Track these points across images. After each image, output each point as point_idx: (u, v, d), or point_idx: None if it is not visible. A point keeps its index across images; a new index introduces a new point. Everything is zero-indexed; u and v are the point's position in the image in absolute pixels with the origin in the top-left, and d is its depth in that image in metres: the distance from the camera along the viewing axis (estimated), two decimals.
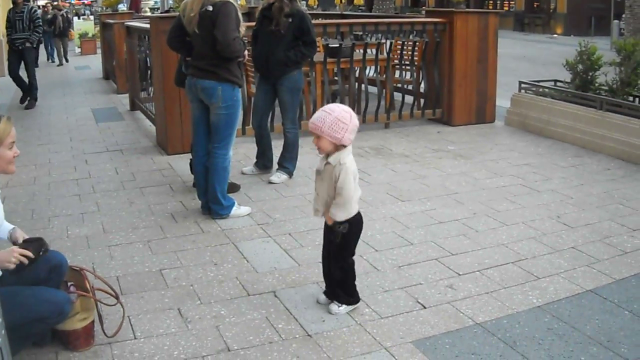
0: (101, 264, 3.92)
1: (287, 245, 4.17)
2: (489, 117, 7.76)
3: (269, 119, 5.80)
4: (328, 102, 7.02)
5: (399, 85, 8.20)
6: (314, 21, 6.53)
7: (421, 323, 3.22)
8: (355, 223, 3.26)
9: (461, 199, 5.07)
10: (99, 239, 4.28)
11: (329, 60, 7.09)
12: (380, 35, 7.34)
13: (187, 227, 4.49)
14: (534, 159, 6.22)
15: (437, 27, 7.43)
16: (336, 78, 7.47)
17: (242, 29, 4.47)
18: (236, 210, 4.65)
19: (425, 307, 3.38)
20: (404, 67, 8.45)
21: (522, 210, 4.83)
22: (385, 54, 7.86)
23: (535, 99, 7.37)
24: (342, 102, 7.12)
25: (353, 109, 6.89)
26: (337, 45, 7.07)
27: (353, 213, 3.22)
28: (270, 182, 5.45)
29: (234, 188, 5.20)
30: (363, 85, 7.44)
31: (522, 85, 7.64)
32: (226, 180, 4.59)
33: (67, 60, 18.28)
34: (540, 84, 7.60)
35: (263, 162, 5.71)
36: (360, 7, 35.52)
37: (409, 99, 7.93)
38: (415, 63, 7.68)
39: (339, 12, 15.06)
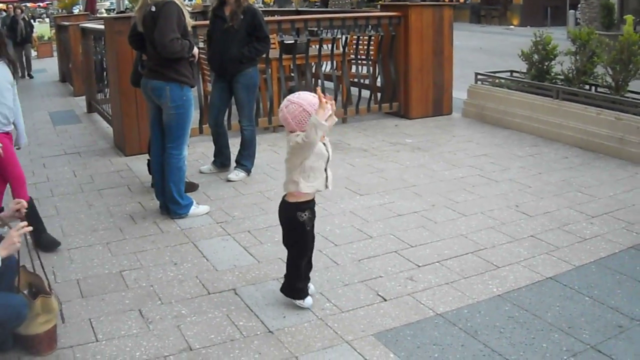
0: (61, 267, 3.86)
1: (247, 243, 4.16)
2: (446, 109, 7.85)
3: (226, 117, 5.77)
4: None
5: (356, 80, 8.25)
6: (268, 18, 6.53)
7: (382, 316, 3.24)
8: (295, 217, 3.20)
9: (419, 191, 5.12)
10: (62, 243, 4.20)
11: (284, 56, 7.08)
12: (335, 30, 7.35)
13: (146, 227, 4.45)
14: (492, 149, 6.32)
15: (392, 20, 7.48)
16: (293, 74, 7.47)
17: (190, 28, 4.43)
18: (194, 209, 4.63)
19: (385, 300, 3.41)
20: (360, 61, 8.50)
21: (480, 200, 4.90)
22: (341, 49, 7.89)
23: (492, 89, 7.48)
24: None
25: None
26: (293, 41, 7.06)
27: (301, 189, 3.13)
28: (228, 180, 5.43)
29: (192, 187, 5.17)
30: (320, 81, 7.45)
31: (479, 76, 7.75)
32: (182, 179, 4.56)
33: (30, 76, 14.67)
34: (497, 74, 7.72)
35: (221, 161, 5.69)
36: (316, 4, 35.56)
37: (365, 93, 7.98)
38: (371, 57, 7.72)
39: (294, 9, 15.06)
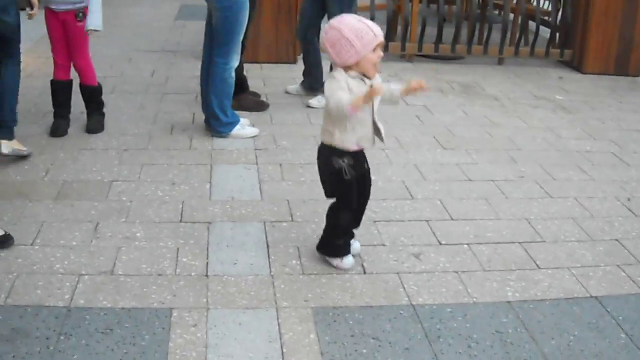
0: (60, 165, 4.04)
1: (267, 176, 4.02)
2: (633, 68, 6.80)
3: (318, 32, 5.49)
4: (424, 24, 6.60)
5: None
6: None
7: (344, 289, 2.96)
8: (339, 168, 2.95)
9: (519, 157, 4.55)
10: (76, 140, 4.40)
11: None
12: None
13: (177, 140, 4.48)
14: None
15: None
16: None
17: None
18: (239, 129, 4.55)
19: (365, 273, 3.10)
20: None
21: (586, 182, 4.24)
22: None
23: None
24: (440, 26, 6.66)
25: (457, 36, 6.42)
26: None
27: (337, 144, 2.91)
28: (308, 106, 5.26)
29: (261, 106, 5.09)
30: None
31: None
32: (227, 93, 4.47)
33: None
34: None
35: (309, 82, 5.48)
36: None
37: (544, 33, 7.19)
38: None
39: None
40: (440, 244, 3.41)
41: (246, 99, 5.09)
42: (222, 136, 4.53)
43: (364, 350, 2.59)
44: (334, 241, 3.11)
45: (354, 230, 3.18)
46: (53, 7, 4.23)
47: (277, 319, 2.74)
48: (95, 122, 4.56)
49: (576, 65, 6.87)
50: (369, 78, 2.86)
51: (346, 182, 2.95)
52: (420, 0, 6.74)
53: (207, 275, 3.00)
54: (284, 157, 4.30)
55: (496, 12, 7.65)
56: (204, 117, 4.66)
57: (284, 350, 2.55)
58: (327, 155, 2.96)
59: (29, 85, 5.03)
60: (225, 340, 2.59)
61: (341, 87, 2.78)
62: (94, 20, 4.23)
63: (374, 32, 2.79)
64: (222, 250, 3.21)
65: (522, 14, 7.00)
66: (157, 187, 3.81)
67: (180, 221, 3.46)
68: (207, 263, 3.10)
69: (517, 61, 7.08)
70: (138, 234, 3.31)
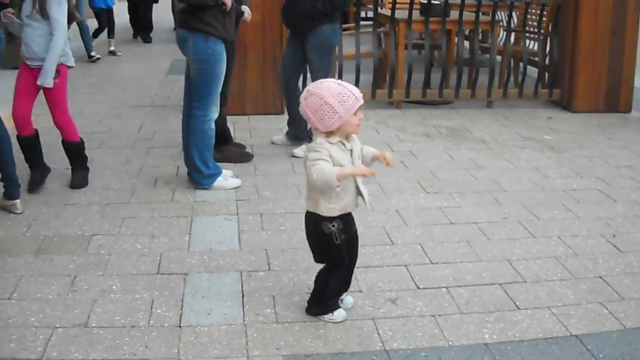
0: (43, 220, 4.13)
1: (247, 227, 4.08)
2: (624, 105, 6.89)
3: (300, 81, 5.61)
4: (410, 70, 6.73)
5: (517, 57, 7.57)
6: None
7: (317, 337, 2.98)
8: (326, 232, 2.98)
9: (503, 199, 4.60)
10: (60, 196, 4.50)
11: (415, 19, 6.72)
12: None
13: (160, 194, 4.57)
14: None
15: None
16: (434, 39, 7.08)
17: None
18: (221, 181, 4.63)
19: (339, 321, 3.12)
20: (530, 34, 7.75)
21: (571, 221, 4.27)
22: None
23: None
24: (429, 71, 6.78)
25: (444, 81, 6.52)
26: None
27: (323, 212, 2.94)
28: (292, 156, 5.34)
29: (246, 157, 5.18)
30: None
31: None
32: (207, 145, 4.56)
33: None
34: None
35: (294, 132, 5.58)
36: None
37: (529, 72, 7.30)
38: (542, 31, 7.00)
39: None
40: (418, 288, 3.44)
41: (230, 150, 5.19)
42: (205, 188, 4.61)
43: None
44: (322, 301, 3.12)
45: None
46: (29, 63, 4.37)
47: None
48: (79, 178, 4.67)
49: (566, 104, 6.97)
50: (347, 142, 2.91)
51: (336, 247, 2.97)
52: (405, 47, 6.85)
53: (180, 326, 3.04)
54: (265, 207, 4.36)
55: (484, 55, 7.78)
56: (187, 170, 4.74)
57: None
58: (316, 221, 2.97)
59: None
60: None
61: (324, 157, 2.81)
62: (42, 77, 4.36)
63: (355, 95, 2.82)
64: (197, 301, 3.25)
65: (508, 55, 7.13)
66: (137, 240, 3.88)
67: (157, 273, 3.52)
68: (181, 314, 3.13)
69: (506, 103, 7.19)
70: (114, 287, 3.37)
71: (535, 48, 7.46)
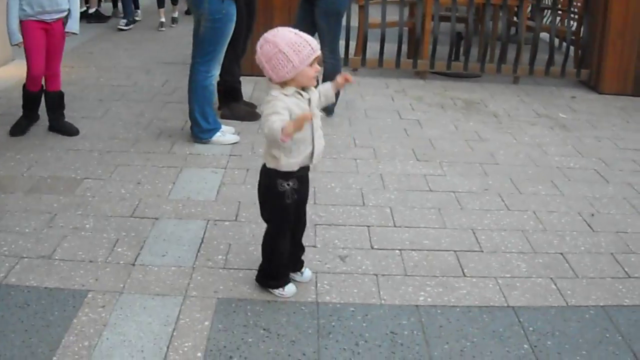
0: (44, 163, 4.33)
1: (230, 180, 4.20)
2: None
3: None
4: (436, 40, 6.65)
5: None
6: None
7: (256, 284, 3.08)
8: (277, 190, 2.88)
9: (492, 172, 4.56)
10: (67, 142, 4.70)
11: None
12: None
13: (159, 145, 4.72)
14: None
15: None
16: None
17: None
18: (219, 137, 4.75)
19: (289, 295, 3.19)
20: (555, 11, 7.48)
21: (553, 197, 4.22)
22: None
23: None
24: (468, 45, 6.68)
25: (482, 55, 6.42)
26: None
27: (283, 167, 2.84)
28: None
29: (253, 116, 5.27)
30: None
31: None
32: (208, 100, 4.67)
33: None
34: None
35: None
36: None
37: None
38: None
39: None
40: (372, 248, 3.48)
41: (239, 107, 5.30)
42: (203, 142, 4.74)
43: (250, 340, 2.71)
44: (270, 269, 3.04)
45: (304, 258, 3.16)
46: (46, 18, 4.51)
47: (181, 306, 2.89)
48: (71, 125, 4.84)
49: (593, 85, 6.77)
50: (305, 91, 2.80)
51: (285, 206, 2.89)
52: (432, 18, 6.76)
53: (133, 264, 3.20)
54: (254, 163, 4.43)
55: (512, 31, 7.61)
56: (190, 126, 4.88)
57: (174, 333, 2.71)
58: (272, 177, 2.87)
59: None
60: (124, 321, 2.77)
61: (279, 110, 2.68)
62: (73, 24, 4.63)
63: (312, 46, 2.71)
64: (157, 244, 3.39)
65: (537, 32, 6.94)
66: (122, 186, 4.05)
67: (131, 216, 3.68)
68: (139, 254, 3.29)
69: (534, 81, 7.03)
70: (87, 225, 3.55)
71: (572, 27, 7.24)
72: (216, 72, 4.66)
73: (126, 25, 8.82)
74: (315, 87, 2.91)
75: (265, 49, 2.70)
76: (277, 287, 3.03)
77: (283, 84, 2.75)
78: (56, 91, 4.79)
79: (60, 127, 4.82)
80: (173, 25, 9.23)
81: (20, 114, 4.81)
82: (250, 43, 5.16)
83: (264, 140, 2.92)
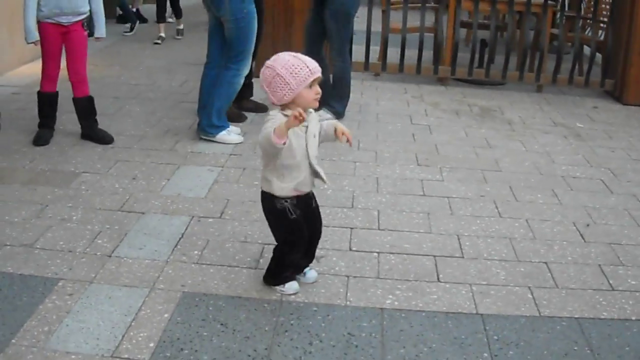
0: (47, 156, 4.44)
1: (223, 178, 4.22)
2: None
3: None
4: (456, 47, 6.58)
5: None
6: None
7: (225, 281, 3.09)
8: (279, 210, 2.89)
9: (491, 178, 4.48)
10: (72, 137, 4.80)
11: None
12: None
13: (163, 143, 4.79)
14: None
15: None
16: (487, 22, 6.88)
17: None
18: (224, 135, 4.79)
19: (255, 269, 3.21)
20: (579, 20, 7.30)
21: (550, 206, 4.11)
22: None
23: None
24: (492, 53, 6.59)
25: (490, 62, 6.35)
26: None
27: (275, 192, 2.86)
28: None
29: (262, 109, 5.30)
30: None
31: None
32: (229, 97, 4.74)
33: None
34: None
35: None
36: None
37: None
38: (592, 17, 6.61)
39: None
40: (350, 250, 3.45)
41: (248, 101, 5.37)
42: (209, 137, 4.78)
43: (205, 334, 2.72)
44: (279, 274, 3.05)
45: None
46: (64, 21, 4.47)
47: (145, 297, 2.93)
48: (105, 133, 4.76)
49: (618, 95, 6.57)
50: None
51: (291, 222, 2.88)
52: (454, 24, 6.68)
53: (110, 256, 3.25)
54: (252, 163, 4.48)
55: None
56: (197, 123, 4.93)
57: (132, 324, 2.74)
58: (269, 199, 2.90)
59: None
60: (87, 309, 2.82)
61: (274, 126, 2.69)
62: (100, 28, 4.64)
63: (310, 68, 2.68)
64: (137, 237, 3.44)
65: (559, 41, 6.78)
66: (117, 181, 4.12)
67: (118, 210, 3.74)
68: (117, 246, 3.34)
69: (559, 90, 6.87)
70: (74, 217, 3.62)
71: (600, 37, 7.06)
72: (246, 71, 4.74)
73: (130, 30, 8.93)
74: (317, 110, 2.89)
75: (265, 73, 2.73)
76: (279, 284, 3.05)
77: (284, 107, 2.75)
78: (84, 97, 4.69)
79: (94, 134, 4.71)
80: (178, 37, 9.05)
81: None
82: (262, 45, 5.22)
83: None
